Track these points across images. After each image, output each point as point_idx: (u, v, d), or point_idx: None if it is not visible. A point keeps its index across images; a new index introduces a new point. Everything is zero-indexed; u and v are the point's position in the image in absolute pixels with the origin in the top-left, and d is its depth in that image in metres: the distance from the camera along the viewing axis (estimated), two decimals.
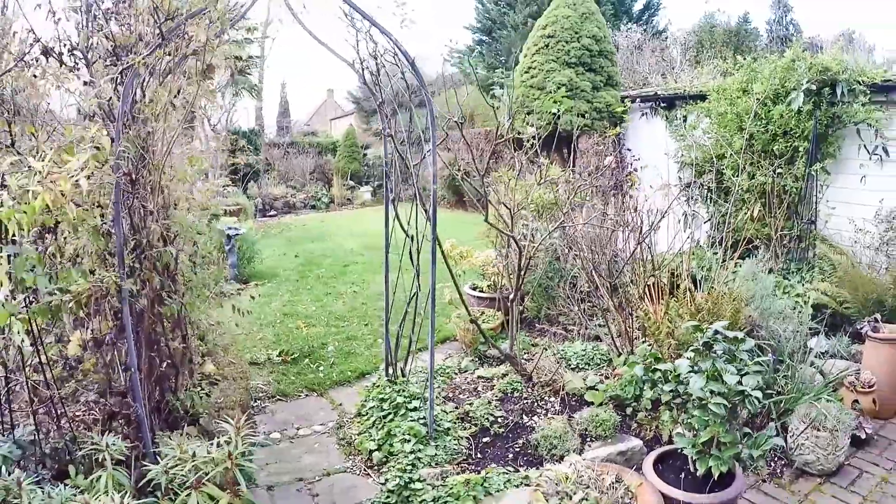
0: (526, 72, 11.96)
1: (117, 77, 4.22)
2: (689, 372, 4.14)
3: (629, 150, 9.53)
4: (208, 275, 5.82)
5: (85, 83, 4.29)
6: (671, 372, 4.28)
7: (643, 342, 6.37)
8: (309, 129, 40.38)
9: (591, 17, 12.13)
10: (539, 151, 6.61)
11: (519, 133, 6.26)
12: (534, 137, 6.46)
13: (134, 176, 4.33)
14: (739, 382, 3.91)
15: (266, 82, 31.03)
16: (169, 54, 4.46)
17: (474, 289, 8.45)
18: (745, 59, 9.79)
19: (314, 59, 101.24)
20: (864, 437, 5.58)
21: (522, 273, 5.94)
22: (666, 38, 28.08)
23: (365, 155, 27.20)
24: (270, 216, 21.62)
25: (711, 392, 3.93)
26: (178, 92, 4.82)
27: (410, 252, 5.50)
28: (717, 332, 4.23)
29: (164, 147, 4.60)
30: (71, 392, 4.67)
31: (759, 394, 3.90)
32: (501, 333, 7.71)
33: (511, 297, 6.16)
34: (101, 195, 4.23)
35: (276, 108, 41.36)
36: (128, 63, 4.11)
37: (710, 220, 9.35)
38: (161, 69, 4.50)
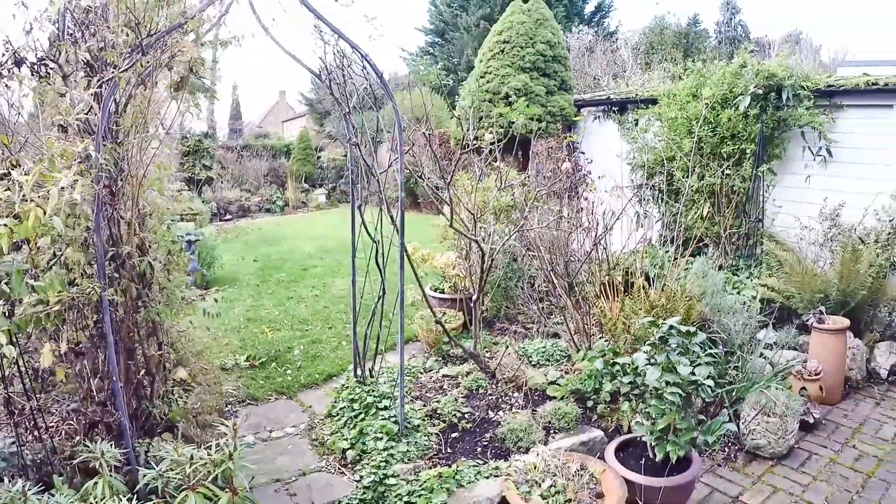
0: (482, 76, 12.24)
1: (96, 89, 4.38)
2: (646, 364, 4.45)
3: (583, 153, 9.83)
4: (180, 282, 6.00)
5: (61, 95, 4.45)
6: (629, 365, 4.59)
7: (600, 338, 6.67)
8: (261, 131, 40.18)
9: (546, 22, 12.46)
10: (496, 156, 6.89)
11: (477, 139, 6.51)
12: (493, 143, 6.72)
13: (113, 188, 4.50)
14: (693, 373, 4.23)
15: (217, 84, 30.90)
16: (145, 66, 4.62)
17: (435, 290, 8.72)
18: (694, 62, 10.18)
19: (265, 61, 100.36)
20: (812, 421, 6.00)
21: (485, 275, 6.22)
22: (617, 39, 28.58)
23: (319, 157, 27.28)
24: (226, 220, 21.60)
25: (667, 382, 4.24)
26: (149, 104, 4.99)
27: (377, 256, 5.73)
28: (671, 327, 4.55)
29: (140, 158, 4.77)
30: (48, 402, 4.82)
31: (711, 382, 4.23)
32: (463, 333, 7.98)
33: (474, 297, 6.44)
34: (82, 206, 4.39)
35: (227, 110, 41.21)
36: (108, 76, 4.27)
37: (661, 219, 9.72)
38: (136, 81, 4.66)
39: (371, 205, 5.82)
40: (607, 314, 6.54)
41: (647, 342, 4.64)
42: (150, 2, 4.50)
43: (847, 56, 23.95)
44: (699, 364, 4.32)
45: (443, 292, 8.60)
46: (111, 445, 4.27)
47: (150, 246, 5.03)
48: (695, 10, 43.66)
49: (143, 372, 5.03)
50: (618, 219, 7.24)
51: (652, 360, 4.44)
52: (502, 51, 12.17)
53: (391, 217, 5.32)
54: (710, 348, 4.70)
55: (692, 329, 4.51)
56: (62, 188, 3.55)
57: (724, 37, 36.81)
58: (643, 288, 6.60)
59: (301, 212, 23.99)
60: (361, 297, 6.21)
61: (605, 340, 6.56)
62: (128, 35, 4.41)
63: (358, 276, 6.12)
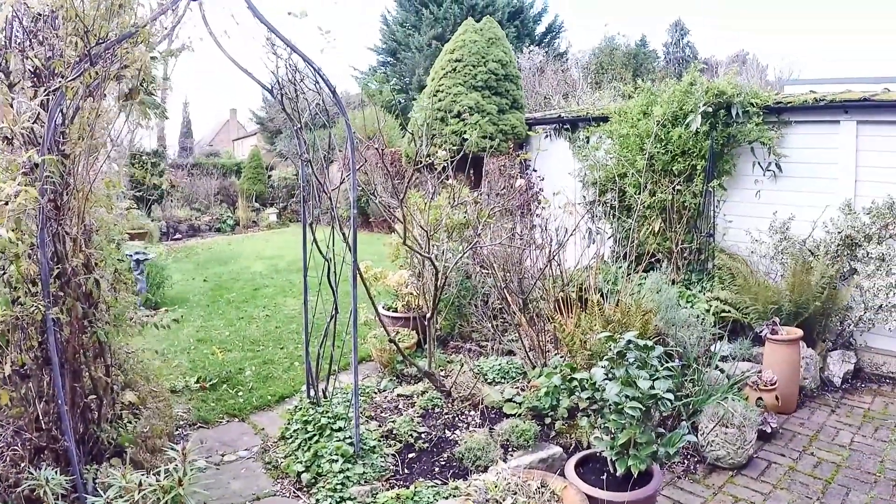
0: (434, 94, 12.23)
1: (42, 99, 4.26)
2: (605, 379, 4.43)
3: (535, 170, 9.86)
4: (128, 301, 5.85)
5: (9, 105, 4.31)
6: (588, 380, 4.57)
7: (556, 354, 6.65)
8: (212, 149, 39.76)
9: (498, 42, 12.51)
10: (449, 174, 6.86)
11: (429, 156, 6.48)
12: (446, 160, 6.70)
13: (58, 202, 4.36)
14: (652, 387, 4.21)
15: (168, 101, 30.46)
16: (94, 76, 4.50)
17: (388, 309, 8.61)
18: (644, 81, 10.30)
19: (217, 78, 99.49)
20: (769, 431, 6.08)
21: (439, 292, 6.17)
22: (567, 59, 28.94)
23: (270, 176, 27.04)
24: (175, 239, 21.24)
25: (627, 397, 4.22)
26: (97, 115, 4.86)
27: (329, 275, 5.65)
28: (629, 341, 4.53)
29: (86, 171, 4.64)
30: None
31: (670, 396, 4.22)
32: (417, 352, 7.90)
33: (428, 315, 6.37)
34: (26, 222, 4.25)
35: (178, 127, 40.69)
36: (55, 85, 4.15)
37: (613, 235, 9.78)
38: (84, 92, 4.54)
39: (323, 223, 5.74)
40: (564, 330, 6.52)
41: (605, 357, 4.62)
42: (100, 11, 4.38)
43: (792, 75, 24.52)
44: (658, 378, 4.31)
45: (396, 311, 8.50)
46: (57, 472, 4.14)
47: (96, 263, 4.88)
48: (643, 31, 44.42)
49: (90, 395, 4.87)
50: (571, 235, 7.26)
51: (611, 375, 4.42)
52: (454, 69, 12.18)
53: (343, 235, 5.25)
54: (668, 362, 4.69)
55: (650, 343, 4.50)
56: (5, 201, 3.44)
57: (673, 57, 37.52)
58: (598, 304, 6.60)
59: (252, 231, 23.70)
60: (314, 317, 6.11)
61: (561, 357, 6.54)
62: (77, 45, 4.29)
63: (310, 295, 6.02)
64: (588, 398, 4.54)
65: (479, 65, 12.09)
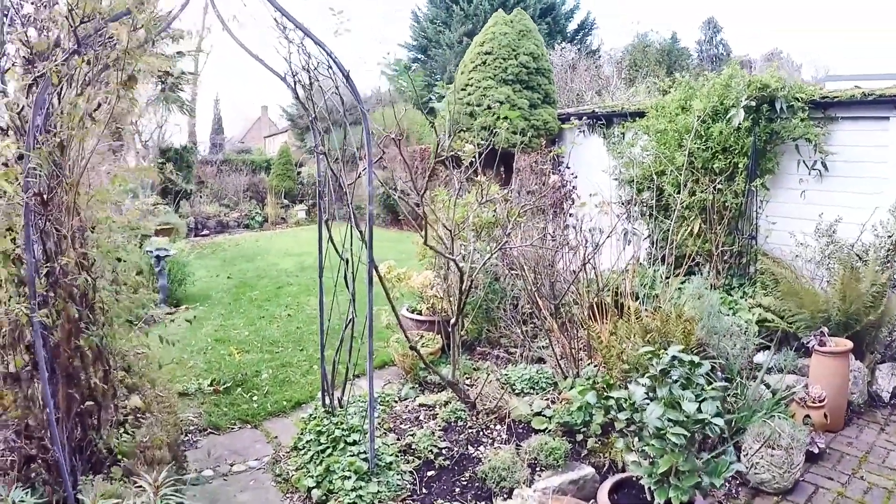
0: (463, 89, 11.78)
1: (29, 87, 3.89)
2: (646, 399, 3.94)
3: (568, 167, 9.38)
4: (134, 301, 5.48)
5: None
6: (626, 400, 4.08)
7: (589, 363, 6.19)
8: (243, 146, 39.66)
9: (529, 34, 12.03)
10: (478, 170, 6.39)
11: (458, 151, 6.02)
12: (473, 155, 6.25)
13: (46, 196, 3.97)
14: (699, 409, 3.73)
15: (199, 98, 30.35)
16: (88, 62, 4.13)
17: (412, 311, 8.15)
18: (682, 76, 9.78)
19: (249, 76, 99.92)
20: (817, 451, 5.56)
21: (464, 297, 5.68)
22: (599, 57, 28.40)
23: (299, 173, 26.72)
24: (203, 235, 21.01)
25: (670, 420, 3.74)
26: (98, 105, 4.49)
27: (346, 276, 5.21)
28: (674, 357, 4.05)
29: (81, 164, 4.25)
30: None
31: (720, 422, 3.73)
32: (442, 357, 7.44)
33: (452, 321, 5.89)
34: (13, 217, 3.90)
35: (209, 124, 40.62)
36: (40, 71, 3.77)
37: (649, 236, 9.26)
38: (80, 79, 4.16)
39: (344, 220, 5.30)
40: (598, 338, 6.03)
41: (647, 374, 4.13)
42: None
43: (830, 72, 23.78)
44: (705, 399, 3.82)
45: (420, 314, 8.03)
46: (47, 485, 3.82)
47: (93, 262, 4.49)
48: (673, 29, 43.73)
49: (87, 401, 4.49)
50: (608, 236, 6.77)
51: (652, 395, 3.93)
52: (484, 62, 11.71)
53: (360, 233, 4.80)
54: (715, 379, 4.20)
55: (696, 359, 4.00)
56: None
57: (706, 55, 36.84)
58: (636, 310, 6.11)
59: (280, 228, 23.41)
60: (329, 319, 5.68)
61: (595, 366, 6.08)
62: (69, 26, 3.90)
63: (328, 297, 5.59)
64: (626, 419, 4.05)
65: (510, 58, 11.62)
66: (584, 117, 11.52)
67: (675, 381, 3.96)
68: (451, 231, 5.68)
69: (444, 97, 5.38)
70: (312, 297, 11.29)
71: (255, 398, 6.90)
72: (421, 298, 8.09)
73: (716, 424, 3.69)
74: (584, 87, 18.97)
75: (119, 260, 4.80)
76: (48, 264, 4.04)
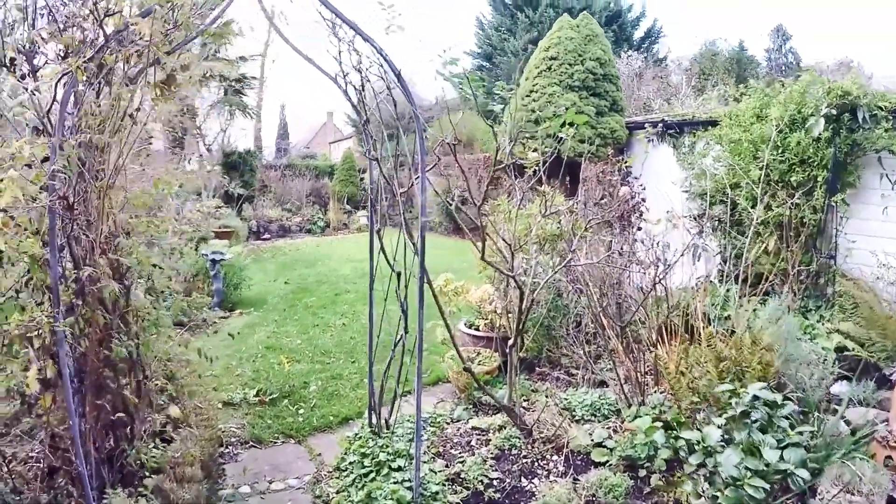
0: (527, 95, 11.34)
1: (57, 85, 3.61)
2: (721, 443, 3.46)
3: (636, 178, 8.88)
4: (177, 307, 5.23)
5: (30, 90, 3.69)
6: (698, 442, 3.60)
7: (655, 390, 5.70)
8: (308, 151, 39.78)
9: (595, 39, 11.53)
10: (541, 179, 5.95)
11: (521, 158, 5.60)
12: (537, 164, 5.83)
13: (72, 199, 3.67)
14: (781, 458, 3.24)
15: (265, 104, 30.46)
16: (127, 60, 3.84)
17: (470, 326, 7.73)
18: (757, 83, 9.20)
19: (315, 83, 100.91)
20: None
21: (523, 316, 5.22)
22: (666, 65, 27.69)
23: (362, 178, 26.53)
24: (264, 239, 20.95)
25: (748, 469, 3.25)
26: (139, 106, 4.21)
27: (397, 290, 4.82)
28: (755, 397, 3.56)
29: (113, 166, 3.96)
30: (27, 430, 4.11)
31: (805, 474, 3.25)
32: (499, 377, 6.99)
33: (510, 341, 5.44)
34: (44, 219, 3.62)
35: (275, 129, 40.92)
36: (65, 69, 3.48)
37: (721, 253, 8.68)
38: (113, 78, 3.88)
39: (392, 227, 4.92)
40: (667, 365, 5.54)
41: (724, 414, 3.64)
42: None
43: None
44: (787, 445, 3.32)
45: (477, 329, 7.59)
46: (71, 497, 3.59)
47: (126, 269, 4.19)
48: (740, 36, 42.62)
49: (120, 412, 4.21)
50: (682, 254, 6.27)
51: (729, 438, 3.44)
52: (549, 68, 11.26)
53: (413, 245, 4.41)
54: (799, 422, 3.69)
55: (778, 398, 3.51)
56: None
57: (775, 64, 35.70)
58: (707, 334, 5.60)
59: (342, 233, 23.24)
60: (379, 335, 5.31)
61: (662, 392, 5.59)
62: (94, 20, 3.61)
63: (380, 309, 5.21)
64: (698, 464, 3.57)
65: (576, 63, 11.14)
66: (653, 126, 10.98)
67: (755, 422, 3.47)
68: (510, 245, 5.24)
69: (505, 100, 4.93)
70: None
71: (301, 411, 6.57)
72: (479, 313, 7.65)
73: (800, 477, 3.20)
74: (652, 96, 18.34)
75: (155, 266, 4.49)
76: (76, 271, 3.74)
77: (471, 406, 6.34)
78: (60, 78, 3.56)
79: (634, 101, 17.77)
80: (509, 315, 6.19)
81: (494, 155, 4.83)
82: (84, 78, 3.53)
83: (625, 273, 6.37)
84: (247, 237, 19.29)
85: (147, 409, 4.69)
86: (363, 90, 4.41)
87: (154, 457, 4.42)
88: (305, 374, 7.55)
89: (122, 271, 4.17)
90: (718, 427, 3.62)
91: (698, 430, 3.97)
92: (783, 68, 34.43)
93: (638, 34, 32.99)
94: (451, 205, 5.18)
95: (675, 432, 4.00)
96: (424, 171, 3.83)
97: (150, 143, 4.89)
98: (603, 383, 6.62)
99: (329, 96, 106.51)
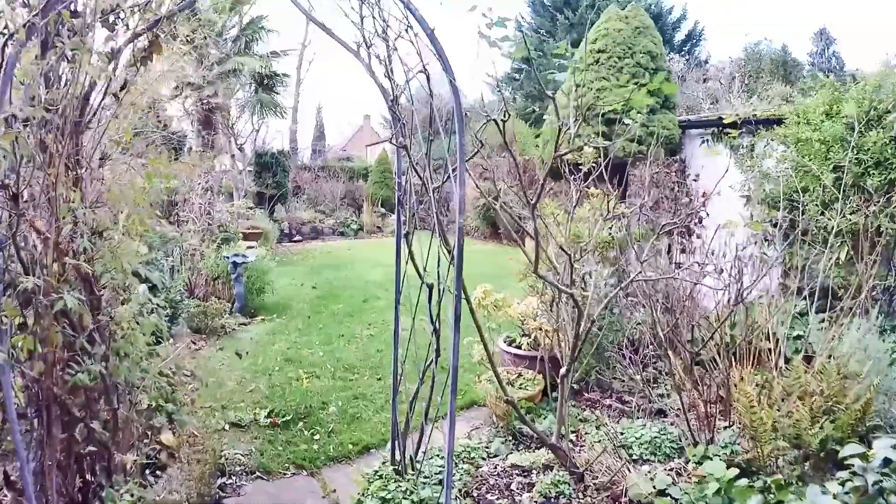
0: (573, 90, 10.40)
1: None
2: None
3: (695, 180, 7.96)
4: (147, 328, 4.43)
5: None
6: None
7: (725, 425, 4.78)
8: (345, 154, 39.14)
9: (646, 31, 10.57)
10: (592, 180, 5.04)
11: (580, 153, 4.70)
12: (595, 161, 4.95)
13: (15, 189, 2.86)
14: None
15: (302, 105, 29.93)
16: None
17: (510, 343, 6.77)
18: (827, 77, 8.22)
19: (352, 85, 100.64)
20: None
21: (581, 343, 4.25)
22: (708, 69, 26.69)
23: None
24: (296, 241, 20.24)
25: None
26: (124, 84, 3.43)
27: (429, 305, 3.93)
28: (887, 460, 2.64)
29: (66, 152, 3.14)
30: None
31: None
32: (542, 402, 6.07)
33: (563, 371, 4.43)
34: None
35: (311, 131, 40.39)
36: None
37: (783, 263, 7.69)
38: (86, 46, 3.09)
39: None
40: (741, 396, 4.59)
41: (839, 480, 2.72)
42: None
43: None
44: None
45: (519, 347, 6.62)
46: None
47: (96, 278, 3.37)
48: (783, 40, 41.25)
49: (90, 446, 3.43)
50: (770, 268, 5.34)
51: None
52: (597, 61, 10.31)
53: (448, 252, 3.53)
54: None
55: None
56: None
57: (819, 68, 34.45)
58: (795, 365, 4.65)
59: (376, 237, 22.49)
60: (406, 351, 4.44)
61: (732, 426, 4.67)
62: None
63: (408, 324, 4.34)
64: None
65: (626, 56, 10.18)
66: (709, 125, 10.02)
67: (889, 495, 2.56)
68: (568, 254, 4.30)
69: (565, 67, 4.04)
70: (401, 315, 10.10)
71: (317, 437, 5.71)
72: (521, 328, 6.71)
73: None
74: (701, 96, 17.40)
75: (136, 276, 3.66)
76: (20, 279, 2.93)
77: (510, 438, 5.44)
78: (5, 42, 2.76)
79: (683, 101, 16.87)
80: (559, 334, 5.26)
81: (556, 136, 3.92)
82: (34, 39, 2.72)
83: (692, 286, 5.42)
84: (277, 239, 18.58)
85: (131, 437, 3.89)
86: (390, 61, 3.54)
87: (134, 498, 3.61)
88: (325, 393, 6.69)
89: (93, 280, 3.35)
90: (834, 497, 2.71)
91: (795, 488, 3.07)
92: (826, 73, 33.22)
93: (679, 36, 32.00)
94: (496, 203, 4.27)
95: (773, 497, 3.08)
96: (464, 162, 2.96)
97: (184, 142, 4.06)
98: (661, 412, 5.72)
99: (366, 100, 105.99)
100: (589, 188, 5.20)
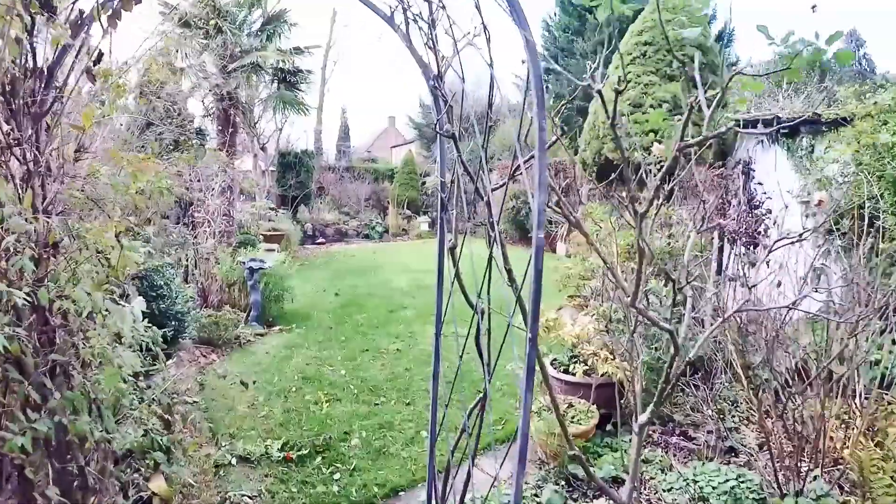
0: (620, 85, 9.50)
1: None
2: None
3: (760, 184, 7.04)
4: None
5: None
6: None
7: (815, 474, 3.90)
8: (369, 155, 38.36)
9: (696, 20, 9.64)
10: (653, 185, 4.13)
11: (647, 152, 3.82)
12: (663, 158, 4.05)
13: None
14: None
15: (326, 106, 29.16)
16: None
17: (558, 367, 5.78)
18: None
19: (378, 87, 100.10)
20: None
21: (671, 386, 3.30)
22: (744, 69, 25.66)
23: (424, 183, 24.87)
24: (319, 244, 19.44)
25: None
26: (95, 54, 2.63)
27: (478, 334, 3.01)
28: None
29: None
30: None
31: None
32: (596, 436, 5.17)
33: (642, 418, 3.38)
34: None
35: (336, 132, 39.70)
36: None
37: (845, 277, 6.74)
38: None
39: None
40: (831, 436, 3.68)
41: None
42: None
43: None
44: None
45: (569, 372, 5.64)
46: None
47: (44, 308, 2.55)
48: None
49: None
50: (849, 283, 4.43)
51: None
52: (644, 54, 9.40)
53: (506, 269, 2.62)
54: None
55: None
56: None
57: (849, 70, 33.43)
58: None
59: (401, 239, 21.66)
60: (454, 381, 3.56)
61: (822, 471, 3.79)
62: None
63: (461, 353, 3.47)
64: None
65: (675, 49, 9.24)
66: (766, 124, 9.07)
67: None
68: (673, 280, 3.37)
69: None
70: (429, 326, 9.18)
71: (336, 475, 4.85)
72: (572, 351, 5.74)
73: None
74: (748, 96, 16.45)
75: (116, 298, 2.82)
76: None
77: (563, 482, 4.55)
78: None
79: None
80: (624, 361, 4.33)
81: (611, 115, 3.02)
82: None
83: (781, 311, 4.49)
84: (300, 241, 17.78)
85: (108, 494, 3.07)
86: (433, 26, 2.67)
87: None
88: (347, 420, 5.83)
89: (44, 309, 2.52)
90: None
91: None
92: (857, 75, 32.10)
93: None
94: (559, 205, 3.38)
95: None
96: (545, 151, 2.08)
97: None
98: (731, 450, 4.83)
99: (392, 101, 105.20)
100: (642, 189, 4.32)
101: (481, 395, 3.05)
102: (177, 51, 12.68)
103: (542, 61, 25.13)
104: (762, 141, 9.11)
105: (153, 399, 3.68)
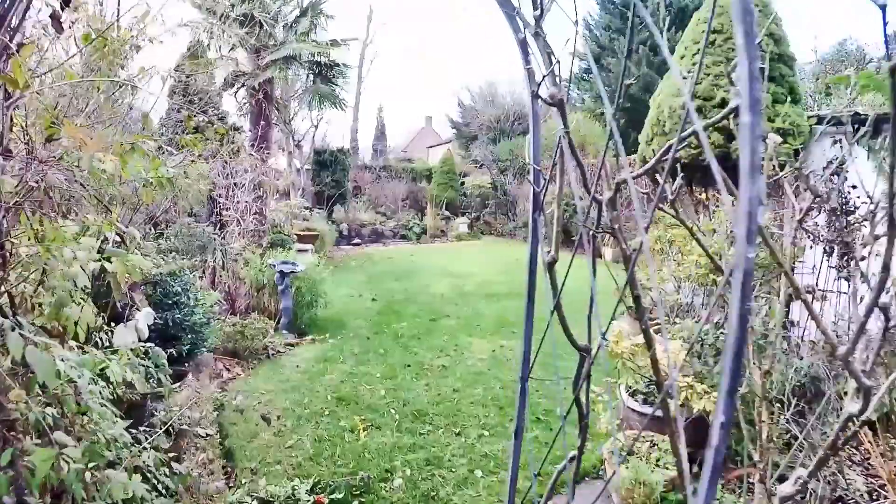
0: (683, 78, 8.54)
1: None
2: None
3: (854, 186, 6.08)
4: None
5: None
6: None
7: None
8: (405, 155, 37.60)
9: (766, 10, 8.66)
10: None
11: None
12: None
13: None
14: None
15: (363, 104, 28.42)
16: None
17: (634, 395, 4.87)
18: None
19: (414, 86, 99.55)
20: None
21: (835, 450, 2.36)
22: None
23: (463, 183, 23.97)
24: (355, 244, 18.64)
25: None
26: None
27: (577, 379, 2.10)
28: None
29: None
30: None
31: None
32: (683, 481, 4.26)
33: (786, 490, 2.54)
34: None
35: (372, 131, 39.07)
36: None
37: None
38: None
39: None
40: None
41: None
42: None
43: None
44: None
45: (646, 402, 4.72)
46: None
47: None
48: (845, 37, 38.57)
49: None
50: None
51: None
52: (713, 43, 8.42)
53: (636, 297, 1.73)
54: None
55: None
56: None
57: None
58: None
59: (439, 241, 20.79)
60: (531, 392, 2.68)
61: None
62: None
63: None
64: None
65: None
66: (841, 122, 8.06)
67: None
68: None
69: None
70: (476, 339, 8.28)
71: None
72: (649, 378, 4.79)
73: None
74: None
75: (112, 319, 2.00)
76: None
77: None
78: None
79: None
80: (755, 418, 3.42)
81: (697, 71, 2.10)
82: None
83: None
84: (335, 241, 16.98)
85: None
86: None
87: None
88: (388, 453, 4.95)
89: None
90: None
91: None
92: None
93: None
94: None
95: None
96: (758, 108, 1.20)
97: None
98: (840, 500, 3.92)
99: (428, 101, 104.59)
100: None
101: (578, 452, 2.15)
102: (208, 44, 12.00)
103: (582, 60, 24.11)
104: (839, 139, 8.10)
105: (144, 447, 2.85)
